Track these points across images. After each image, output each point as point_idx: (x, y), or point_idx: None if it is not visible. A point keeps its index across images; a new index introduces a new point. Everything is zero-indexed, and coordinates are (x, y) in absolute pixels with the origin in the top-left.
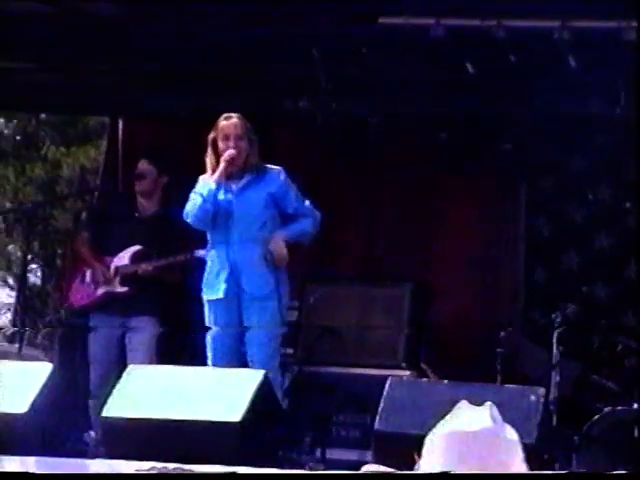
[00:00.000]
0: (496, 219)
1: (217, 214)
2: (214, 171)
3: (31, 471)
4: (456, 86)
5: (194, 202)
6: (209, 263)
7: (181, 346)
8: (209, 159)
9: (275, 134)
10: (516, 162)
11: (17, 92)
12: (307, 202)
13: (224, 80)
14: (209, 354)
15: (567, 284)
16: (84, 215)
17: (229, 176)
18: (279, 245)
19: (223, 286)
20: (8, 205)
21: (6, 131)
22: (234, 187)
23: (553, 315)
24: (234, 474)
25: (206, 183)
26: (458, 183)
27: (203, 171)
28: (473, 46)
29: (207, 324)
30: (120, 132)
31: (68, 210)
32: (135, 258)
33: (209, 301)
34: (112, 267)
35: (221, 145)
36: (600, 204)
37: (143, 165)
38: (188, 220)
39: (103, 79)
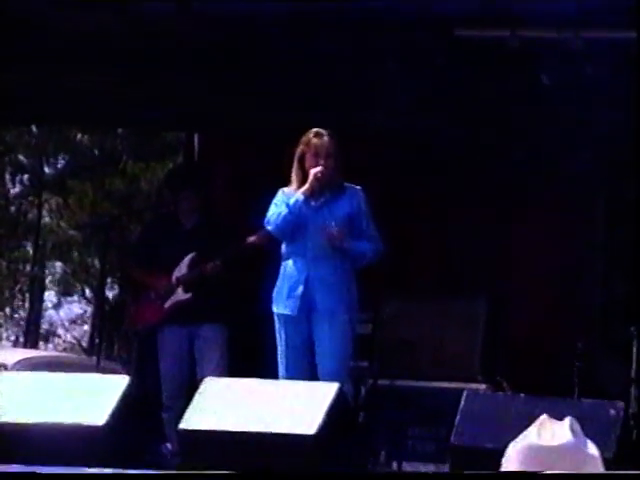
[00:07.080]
0: (574, 230)
1: (295, 227)
2: (300, 184)
3: None
4: (531, 98)
5: (278, 211)
6: (282, 272)
7: (251, 353)
8: (295, 173)
9: (349, 149)
10: (595, 170)
11: (95, 107)
12: (374, 230)
13: (300, 96)
14: (280, 365)
15: None
16: (135, 238)
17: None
18: (334, 234)
19: (296, 303)
20: (86, 219)
21: (85, 146)
22: (313, 202)
23: (632, 328)
24: (235, 474)
25: (291, 195)
26: (536, 194)
27: (277, 185)
28: (548, 57)
29: (277, 337)
30: (196, 148)
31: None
32: (193, 264)
33: (279, 315)
34: (173, 279)
35: (310, 161)
36: None
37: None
38: (269, 227)
39: (179, 94)
